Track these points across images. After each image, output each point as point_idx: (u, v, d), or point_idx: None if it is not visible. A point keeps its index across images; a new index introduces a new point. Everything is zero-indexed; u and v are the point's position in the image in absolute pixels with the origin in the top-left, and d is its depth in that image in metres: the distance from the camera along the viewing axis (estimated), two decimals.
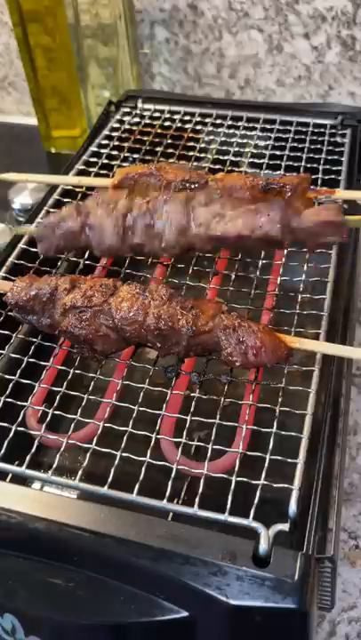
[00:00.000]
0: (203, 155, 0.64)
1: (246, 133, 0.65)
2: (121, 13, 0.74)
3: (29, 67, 0.74)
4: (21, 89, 0.91)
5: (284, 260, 0.51)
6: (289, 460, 0.37)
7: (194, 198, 0.48)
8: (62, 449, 0.39)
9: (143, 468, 0.37)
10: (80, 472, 0.38)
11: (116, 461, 0.38)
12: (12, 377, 0.43)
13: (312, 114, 0.66)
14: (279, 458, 0.37)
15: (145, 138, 0.66)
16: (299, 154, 0.61)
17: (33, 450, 0.39)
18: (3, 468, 0.39)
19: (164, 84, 0.85)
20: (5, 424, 0.41)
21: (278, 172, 0.59)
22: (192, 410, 0.40)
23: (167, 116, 0.69)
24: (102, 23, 0.74)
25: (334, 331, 0.45)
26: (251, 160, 0.62)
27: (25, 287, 0.44)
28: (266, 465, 0.37)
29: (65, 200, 0.58)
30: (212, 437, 0.39)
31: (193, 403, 0.41)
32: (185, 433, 0.39)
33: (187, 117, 0.68)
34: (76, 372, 0.44)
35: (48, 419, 0.41)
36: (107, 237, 0.48)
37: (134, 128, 0.68)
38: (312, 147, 0.62)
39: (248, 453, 0.38)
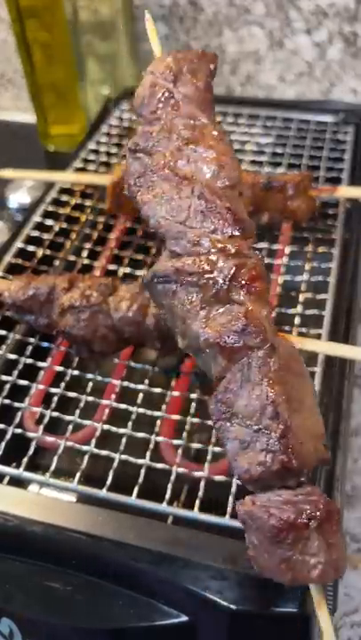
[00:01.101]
0: None
1: (247, 130, 0.65)
2: (120, 9, 0.73)
3: (27, 63, 0.73)
4: (19, 85, 0.91)
5: (285, 259, 0.51)
6: None
7: None
8: (60, 451, 0.39)
9: (142, 471, 0.37)
10: (78, 474, 0.37)
11: (115, 464, 0.38)
12: (10, 378, 0.43)
13: (314, 111, 0.66)
14: None
15: None
16: (300, 151, 0.61)
17: (30, 452, 0.39)
18: (0, 471, 0.38)
19: None
20: (2, 425, 0.40)
21: (280, 170, 0.59)
22: (192, 411, 0.40)
23: None
24: (101, 19, 0.73)
25: (337, 331, 0.45)
26: (252, 157, 0.61)
27: (22, 286, 0.44)
28: None
29: (63, 199, 0.58)
30: (213, 439, 0.39)
31: (193, 404, 0.40)
32: (185, 435, 0.39)
33: None
34: (75, 372, 0.43)
35: (46, 420, 0.41)
36: None
37: (133, 125, 0.67)
38: (314, 144, 0.62)
39: None
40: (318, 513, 0.25)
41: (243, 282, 0.29)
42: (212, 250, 0.29)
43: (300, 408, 0.26)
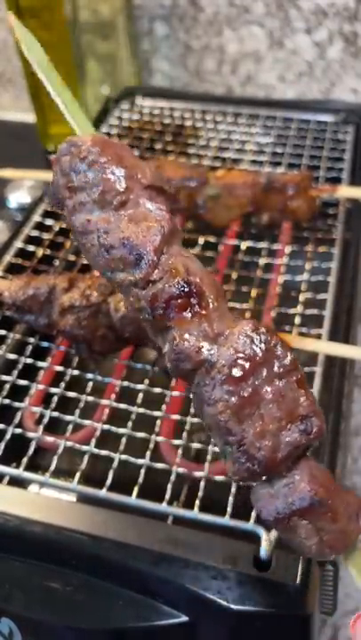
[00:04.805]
0: (203, 152, 0.63)
1: (247, 130, 0.65)
2: (120, 9, 0.73)
3: (27, 63, 0.73)
4: (19, 85, 0.91)
5: (285, 259, 0.51)
6: None
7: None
8: (60, 451, 0.39)
9: (142, 471, 0.37)
10: (78, 474, 0.37)
11: (115, 464, 0.38)
12: (9, 378, 0.43)
13: (314, 110, 0.66)
14: None
15: (144, 135, 0.66)
16: (300, 151, 0.61)
17: (30, 452, 0.39)
18: (0, 471, 0.38)
19: (164, 81, 0.84)
20: (2, 425, 0.40)
21: (280, 170, 0.59)
22: (192, 411, 0.40)
23: (167, 112, 0.69)
24: (101, 19, 0.73)
25: (337, 331, 0.45)
26: (252, 157, 0.61)
27: (22, 286, 0.44)
28: None
29: None
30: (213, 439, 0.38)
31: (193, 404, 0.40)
32: (185, 435, 0.39)
33: (187, 114, 0.68)
34: (74, 372, 0.43)
35: (46, 420, 0.41)
36: None
37: (133, 125, 0.68)
38: (314, 144, 0.62)
39: None
40: (296, 506, 0.26)
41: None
42: None
43: (256, 407, 0.26)
